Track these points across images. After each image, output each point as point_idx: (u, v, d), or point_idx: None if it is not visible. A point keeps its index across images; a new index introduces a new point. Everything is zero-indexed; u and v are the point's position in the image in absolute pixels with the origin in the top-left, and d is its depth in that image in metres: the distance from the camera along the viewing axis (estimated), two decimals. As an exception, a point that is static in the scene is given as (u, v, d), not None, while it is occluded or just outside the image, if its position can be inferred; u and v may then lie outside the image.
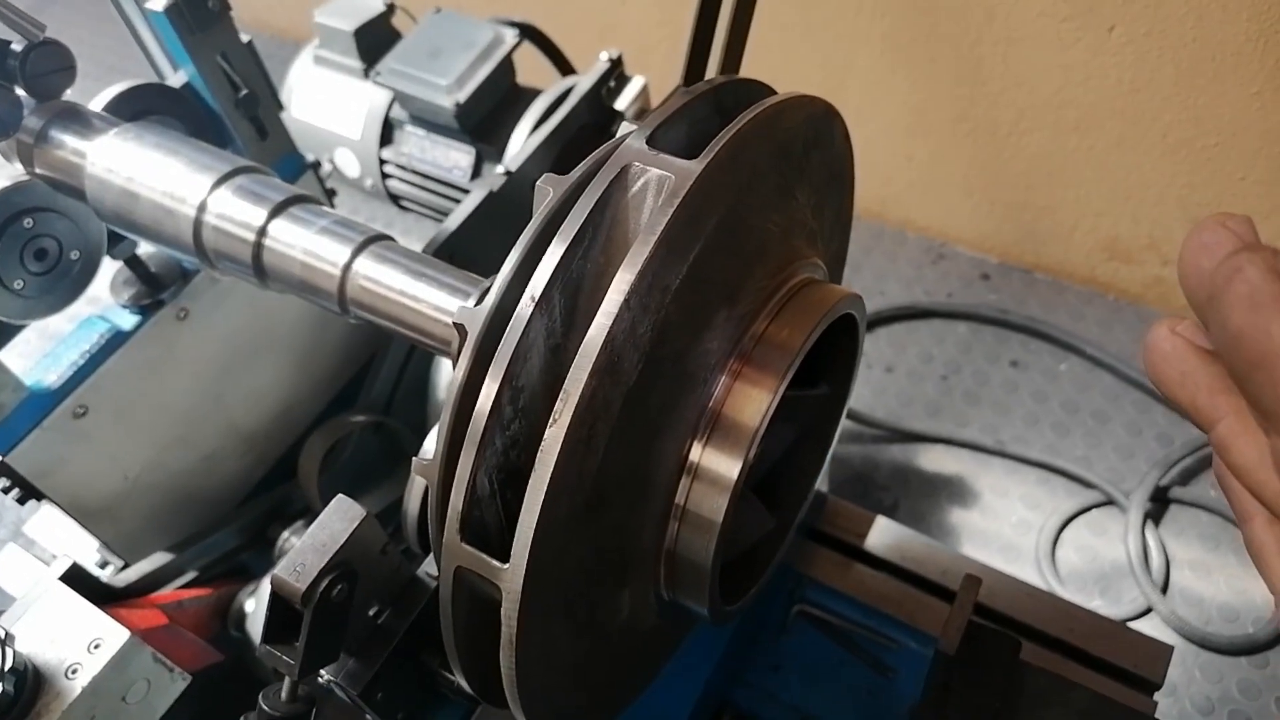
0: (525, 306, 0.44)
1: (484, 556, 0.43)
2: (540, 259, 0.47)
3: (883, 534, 1.14)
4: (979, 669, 0.64)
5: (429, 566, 0.63)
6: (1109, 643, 1.04)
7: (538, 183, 0.52)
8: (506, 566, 0.43)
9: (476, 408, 0.44)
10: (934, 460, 1.89)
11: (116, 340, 0.94)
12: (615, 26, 2.11)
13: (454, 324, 0.50)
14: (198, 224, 0.70)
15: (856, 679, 1.08)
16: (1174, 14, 1.55)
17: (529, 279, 0.47)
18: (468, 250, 1.15)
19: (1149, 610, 1.65)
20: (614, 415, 0.43)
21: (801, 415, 0.61)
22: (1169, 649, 1.03)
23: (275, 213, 0.69)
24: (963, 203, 2.08)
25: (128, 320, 0.95)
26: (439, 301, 0.63)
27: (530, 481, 0.42)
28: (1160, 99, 1.68)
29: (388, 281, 0.65)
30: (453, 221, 1.13)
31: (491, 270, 1.13)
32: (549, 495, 0.41)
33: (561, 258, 0.44)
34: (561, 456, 0.41)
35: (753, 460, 0.49)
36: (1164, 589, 1.68)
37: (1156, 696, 1.06)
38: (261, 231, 0.69)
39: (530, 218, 1.27)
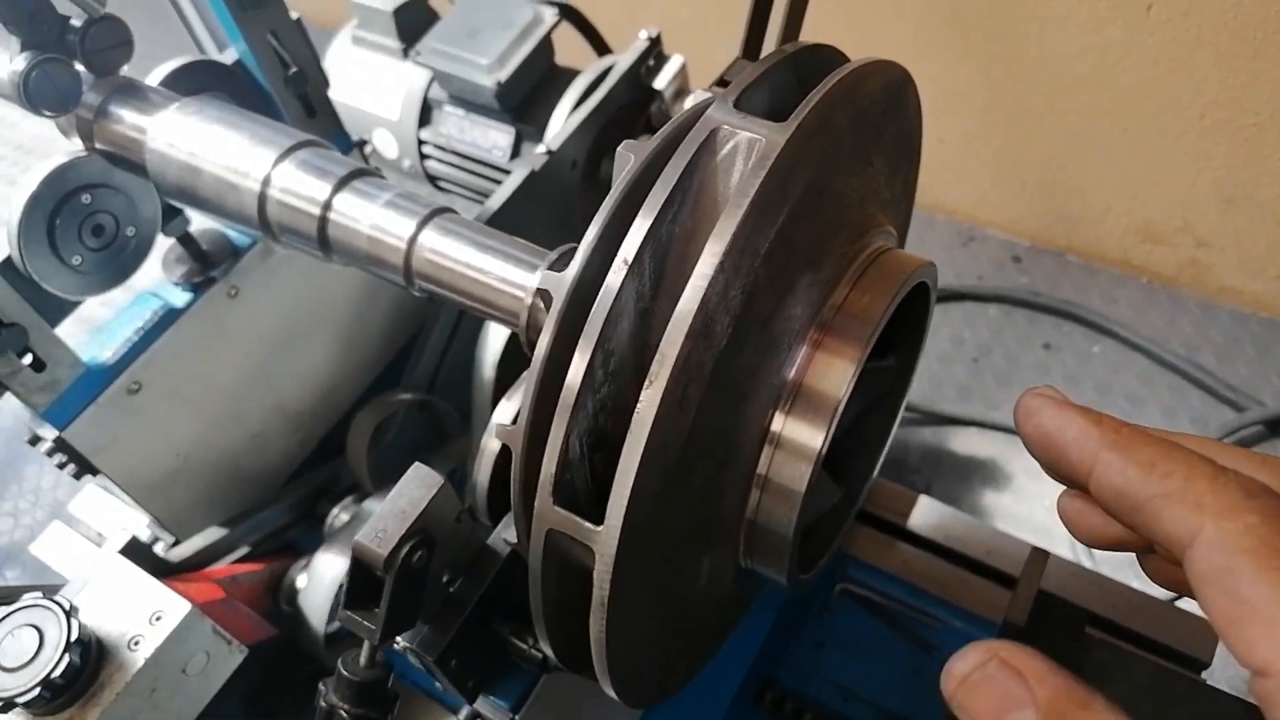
0: (617, 271, 0.44)
1: (577, 519, 0.44)
2: (625, 225, 0.47)
3: (926, 513, 1.14)
4: (1045, 640, 0.64)
5: (498, 536, 0.63)
6: (1156, 621, 1.04)
7: (619, 149, 0.52)
8: (601, 529, 0.43)
9: (570, 372, 0.44)
10: (966, 443, 1.89)
11: (169, 317, 0.95)
12: (644, 3, 2.10)
13: (538, 289, 0.50)
14: (262, 198, 0.71)
15: (899, 656, 1.08)
16: (1214, -9, 1.53)
17: (613, 246, 0.47)
18: (510, 229, 1.14)
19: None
20: (705, 379, 0.43)
21: (869, 386, 0.61)
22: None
23: (339, 186, 0.69)
24: (994, 185, 2.07)
25: (180, 298, 0.96)
26: (505, 274, 0.64)
27: (626, 442, 0.42)
28: (1198, 79, 1.66)
29: (454, 254, 0.65)
30: (495, 201, 1.13)
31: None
32: (645, 457, 0.41)
33: (654, 221, 0.44)
34: (658, 418, 0.41)
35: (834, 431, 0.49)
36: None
37: (1204, 675, 1.06)
38: (326, 205, 0.69)
39: (571, 196, 1.27)
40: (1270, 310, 1.93)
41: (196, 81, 0.89)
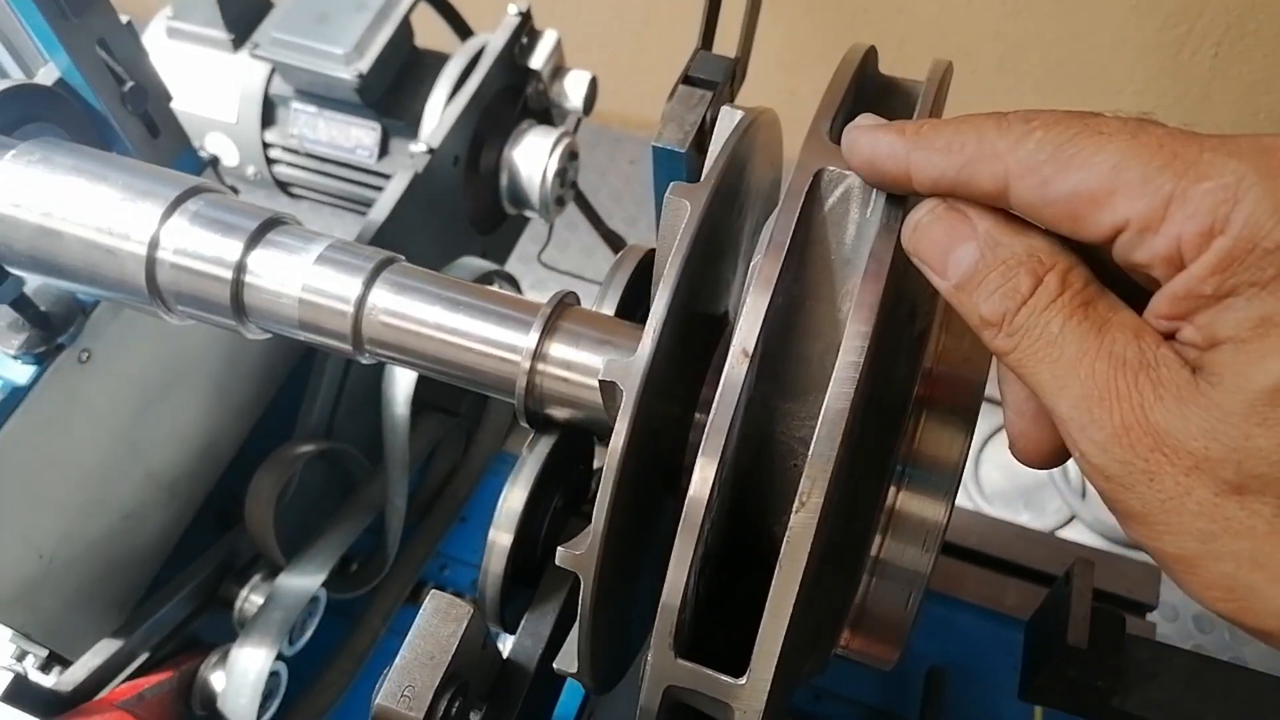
0: (737, 363, 0.36)
1: (712, 674, 0.35)
2: (693, 287, 0.38)
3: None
4: (1095, 653, 0.61)
5: (520, 646, 0.54)
6: (1103, 571, 1.06)
7: (667, 195, 0.43)
8: (744, 683, 0.35)
9: (692, 488, 0.35)
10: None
11: (13, 398, 0.77)
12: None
13: (602, 382, 0.40)
14: (151, 263, 0.57)
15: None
16: (1055, -67, 1.56)
17: (682, 311, 0.38)
18: (397, 242, 1.02)
19: (1073, 518, 1.73)
20: (841, 481, 0.36)
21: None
22: (1157, 570, 1.06)
23: (253, 241, 0.56)
24: (847, 134, 2.07)
25: (22, 373, 0.78)
26: (490, 335, 0.53)
27: (776, 580, 0.34)
28: (1040, 19, 1.70)
29: (418, 315, 0.54)
30: (379, 213, 1.00)
31: (426, 266, 1.01)
32: (800, 595, 0.33)
33: (770, 299, 0.36)
34: (814, 546, 0.33)
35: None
36: (1083, 495, 1.75)
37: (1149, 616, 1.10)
38: (240, 267, 0.56)
39: (456, 195, 1.14)
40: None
41: (13, 111, 0.71)
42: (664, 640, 0.36)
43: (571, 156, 1.19)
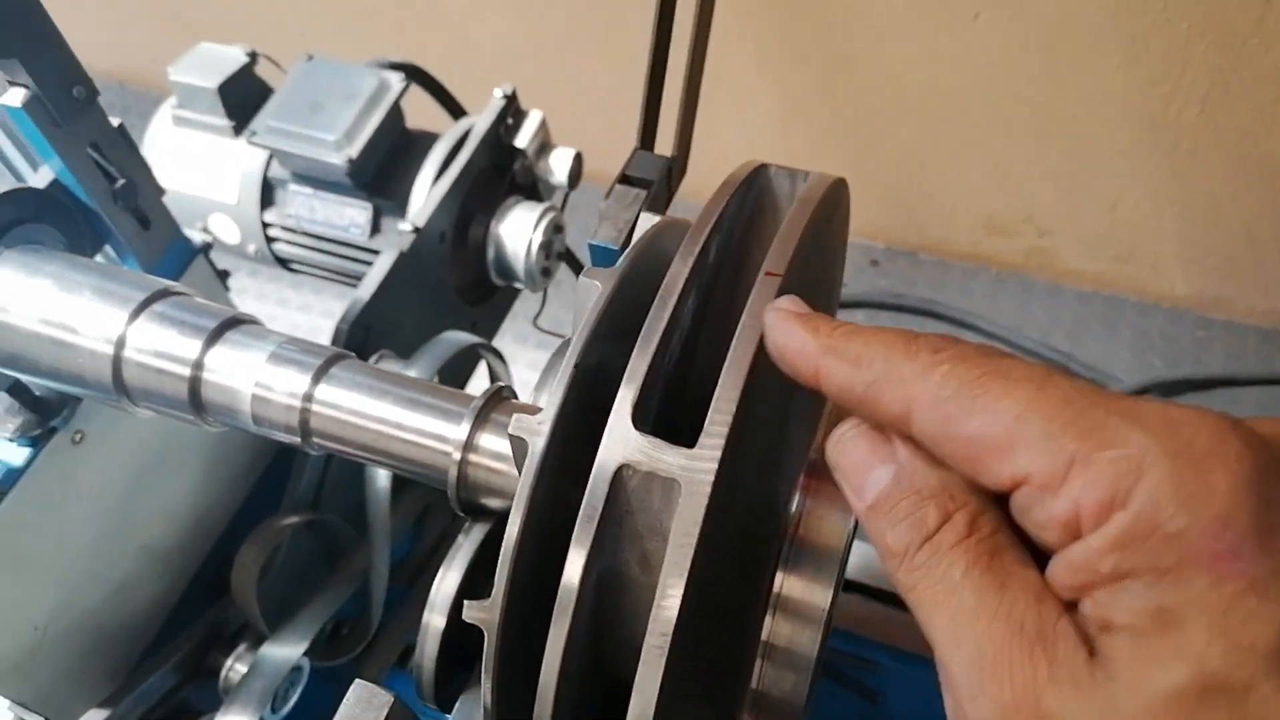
0: (605, 466, 0.39)
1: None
2: (595, 380, 0.41)
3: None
4: None
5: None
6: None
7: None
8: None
9: (566, 573, 0.38)
10: (852, 452, 1.91)
11: (8, 479, 0.82)
12: (474, 41, 2.03)
13: (511, 436, 0.44)
14: (117, 361, 0.61)
15: (844, 709, 1.07)
16: (1036, -3, 1.59)
17: (581, 401, 0.42)
18: (383, 317, 1.07)
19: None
20: (716, 552, 0.39)
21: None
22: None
23: (211, 340, 0.60)
24: (845, 193, 2.10)
25: (17, 455, 0.83)
26: (425, 426, 0.57)
27: (643, 658, 0.36)
28: (1026, 79, 1.73)
29: (359, 408, 0.58)
30: (366, 290, 1.04)
31: (412, 344, 1.05)
32: (664, 683, 0.36)
33: (646, 374, 0.39)
34: (674, 639, 0.36)
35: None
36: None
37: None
38: (197, 365, 0.60)
39: (442, 269, 1.18)
40: (1112, 287, 2.04)
41: (7, 214, 0.77)
42: (546, 705, 0.39)
43: (556, 230, 1.23)
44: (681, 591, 0.36)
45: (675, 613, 0.36)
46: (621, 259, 0.49)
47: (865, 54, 1.80)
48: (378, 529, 0.99)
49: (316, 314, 2.10)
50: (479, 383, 1.14)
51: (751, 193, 0.47)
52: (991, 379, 0.34)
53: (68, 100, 0.77)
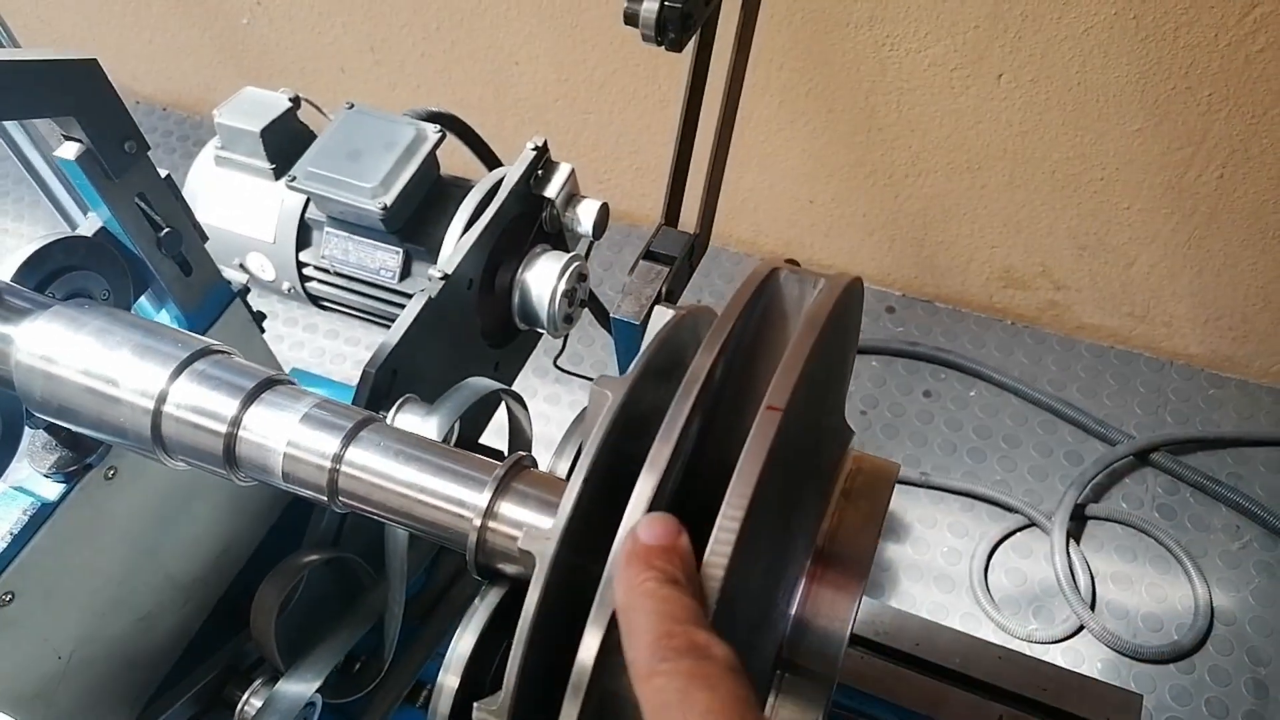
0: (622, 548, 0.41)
1: None
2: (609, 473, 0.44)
3: (855, 612, 1.14)
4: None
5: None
6: (1082, 697, 1.07)
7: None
8: None
9: (581, 653, 0.41)
10: (863, 499, 1.93)
11: (42, 514, 0.85)
12: (512, 84, 2.07)
13: (521, 550, 0.46)
14: (157, 417, 0.64)
15: (845, 764, 1.08)
16: (1059, 60, 1.62)
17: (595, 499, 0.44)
18: (411, 360, 1.10)
19: (1081, 629, 1.72)
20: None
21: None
22: (1139, 697, 1.07)
23: (249, 401, 0.63)
24: (864, 241, 2.13)
25: (52, 490, 0.86)
26: (448, 492, 0.60)
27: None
28: (1048, 139, 1.76)
29: (386, 471, 0.61)
30: (394, 335, 1.07)
31: (438, 385, 1.08)
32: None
33: (659, 481, 0.41)
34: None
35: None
36: (1092, 605, 1.75)
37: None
38: (234, 423, 0.63)
39: (470, 313, 1.21)
40: (1126, 343, 2.05)
41: (57, 262, 0.81)
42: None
43: (580, 278, 1.26)
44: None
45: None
46: (632, 366, 0.52)
47: (889, 108, 1.83)
48: (394, 569, 1.01)
49: (342, 340, 2.14)
50: (501, 419, 1.16)
51: (761, 300, 0.49)
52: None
53: (119, 154, 0.81)
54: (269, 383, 0.65)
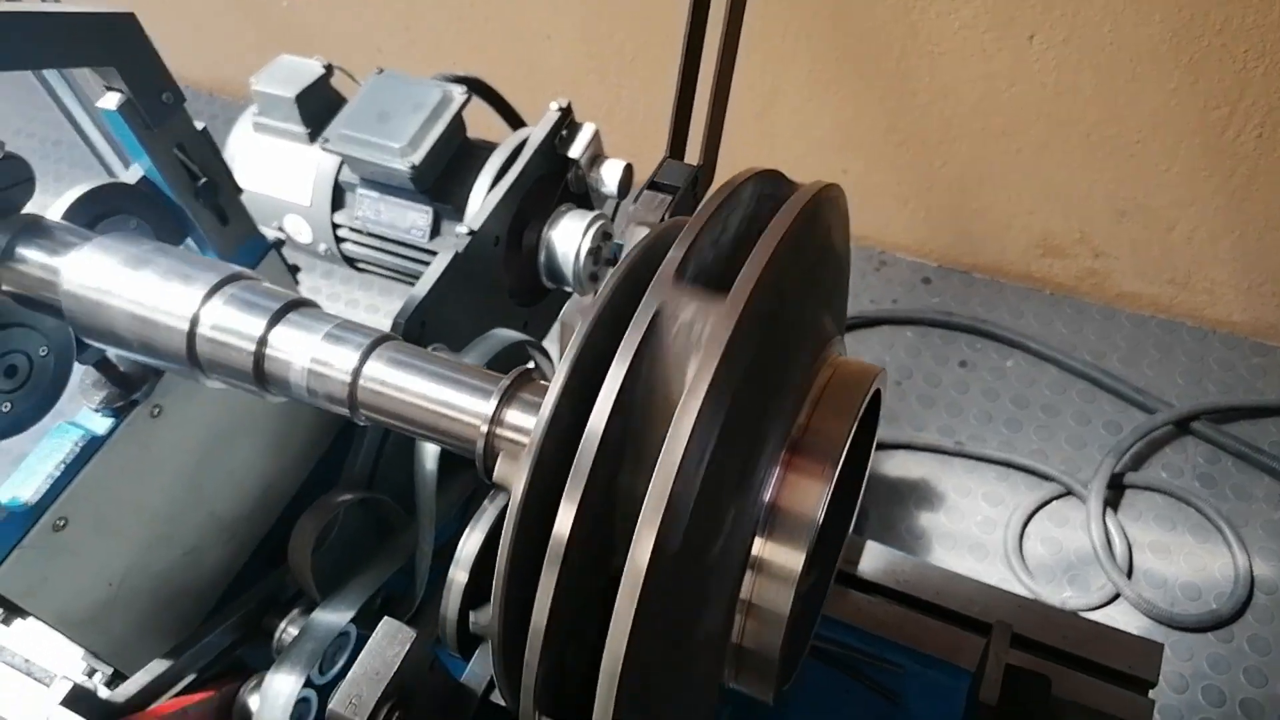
0: (600, 414, 0.44)
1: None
2: (592, 371, 0.47)
3: (875, 559, 1.16)
4: (1018, 713, 0.65)
5: (472, 673, 0.62)
6: (1101, 645, 1.08)
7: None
8: (596, 693, 0.42)
9: (558, 522, 0.44)
10: (897, 466, 1.94)
11: (92, 446, 0.90)
12: (544, 60, 2.11)
13: (510, 426, 0.49)
14: (191, 337, 0.68)
15: (863, 707, 1.10)
16: (1091, 20, 1.61)
17: (582, 389, 0.47)
18: (439, 313, 1.14)
19: (1117, 596, 1.71)
20: (683, 526, 0.43)
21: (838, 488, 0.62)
22: (1159, 647, 1.07)
23: (275, 320, 0.67)
24: (899, 211, 2.13)
25: (101, 424, 0.91)
26: (458, 401, 0.63)
27: (618, 602, 0.41)
28: (1082, 101, 1.74)
29: (401, 384, 0.64)
30: (422, 287, 1.11)
31: (466, 340, 1.12)
32: (634, 630, 0.41)
33: (629, 367, 0.44)
34: (645, 587, 0.41)
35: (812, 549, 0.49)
36: (1129, 574, 1.74)
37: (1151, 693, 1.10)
38: (262, 341, 0.67)
39: (496, 270, 1.25)
40: (1167, 312, 2.02)
41: (102, 206, 0.86)
42: (535, 644, 0.44)
43: (605, 236, 1.29)
44: (655, 533, 0.41)
45: (648, 555, 0.41)
46: (609, 275, 0.54)
47: (920, 73, 1.83)
48: (424, 510, 1.05)
49: (383, 315, 2.19)
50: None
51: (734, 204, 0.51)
52: None
53: (158, 105, 0.85)
54: (293, 304, 0.69)
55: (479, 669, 0.61)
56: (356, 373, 0.65)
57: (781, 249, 0.46)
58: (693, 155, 0.78)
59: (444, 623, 0.62)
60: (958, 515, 1.88)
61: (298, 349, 0.67)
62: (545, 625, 0.43)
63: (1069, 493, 1.85)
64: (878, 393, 0.59)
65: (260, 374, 0.68)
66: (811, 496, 0.49)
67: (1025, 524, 1.83)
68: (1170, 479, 1.85)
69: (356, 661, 0.54)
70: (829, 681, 1.12)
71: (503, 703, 0.56)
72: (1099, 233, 1.97)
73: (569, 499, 0.44)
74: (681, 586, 0.45)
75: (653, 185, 0.70)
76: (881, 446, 1.94)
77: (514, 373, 0.63)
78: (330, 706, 0.52)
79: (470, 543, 0.62)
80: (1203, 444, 1.87)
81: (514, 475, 0.50)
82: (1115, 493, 1.84)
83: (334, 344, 0.66)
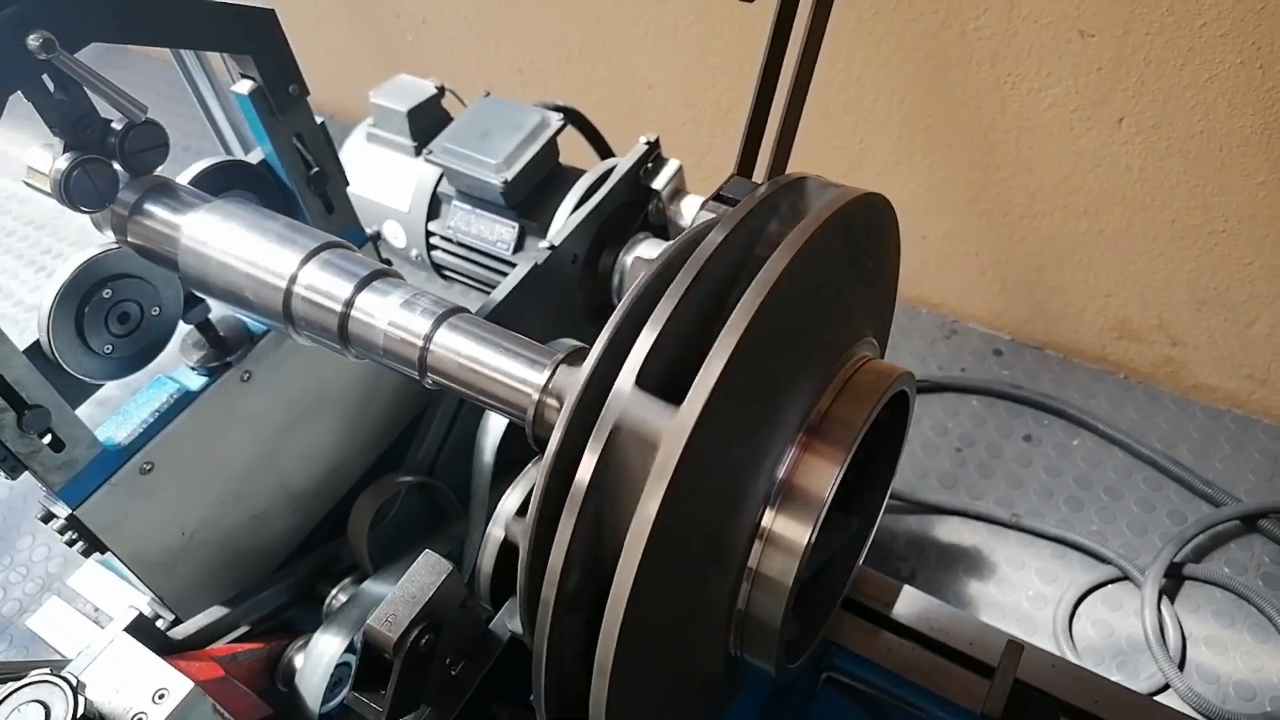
0: (628, 375, 0.49)
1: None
2: (631, 334, 0.52)
3: (910, 603, 1.17)
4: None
5: (500, 621, 0.67)
6: (1132, 715, 1.06)
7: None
8: (601, 629, 0.46)
9: (580, 470, 0.48)
10: (950, 532, 1.92)
11: (184, 400, 0.98)
12: (644, 107, 2.20)
13: (549, 387, 0.54)
14: (288, 295, 0.76)
15: (885, 747, 1.10)
16: (1182, 107, 1.63)
17: (620, 351, 0.52)
18: (512, 319, 1.20)
19: (1166, 687, 1.66)
20: (702, 477, 0.48)
21: (855, 492, 0.66)
22: (1189, 721, 1.05)
23: (361, 286, 0.74)
24: (975, 281, 2.14)
25: (195, 381, 1.00)
26: (515, 371, 0.68)
27: (627, 542, 0.46)
28: (1168, 187, 1.75)
29: (466, 351, 0.70)
30: (500, 292, 1.18)
31: (536, 338, 1.18)
32: (644, 559, 0.45)
33: (659, 336, 0.49)
34: (656, 524, 0.45)
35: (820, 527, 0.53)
36: (1181, 665, 1.69)
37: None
38: (348, 303, 0.74)
39: (571, 287, 1.32)
40: (1244, 408, 1.99)
41: (224, 180, 0.95)
42: (552, 584, 0.48)
43: (679, 267, 1.35)
44: (661, 497, 0.45)
45: (655, 512, 0.45)
46: (658, 259, 0.59)
47: (1007, 147, 1.86)
48: (478, 500, 1.11)
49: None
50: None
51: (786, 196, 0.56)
52: None
53: (284, 95, 0.95)
54: (378, 273, 0.75)
55: (505, 619, 0.66)
56: (428, 338, 0.71)
57: (818, 235, 0.50)
58: (760, 175, 0.83)
59: (479, 574, 0.66)
60: (1008, 587, 1.86)
61: (378, 313, 0.73)
62: (567, 548, 0.48)
63: (1125, 577, 1.82)
64: (905, 397, 0.63)
65: (344, 333, 0.75)
66: (823, 476, 0.53)
67: (1077, 603, 1.80)
68: (1233, 575, 1.80)
69: (396, 586, 0.59)
70: (853, 719, 1.13)
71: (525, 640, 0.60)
72: (1177, 321, 1.95)
73: (591, 449, 0.48)
74: (687, 541, 0.49)
75: (718, 197, 0.75)
76: (936, 511, 1.93)
77: (568, 348, 0.68)
78: (368, 622, 0.57)
79: (509, 502, 0.67)
80: (1270, 543, 1.82)
81: (551, 434, 0.55)
82: (1174, 582, 1.80)
83: (411, 311, 0.73)
